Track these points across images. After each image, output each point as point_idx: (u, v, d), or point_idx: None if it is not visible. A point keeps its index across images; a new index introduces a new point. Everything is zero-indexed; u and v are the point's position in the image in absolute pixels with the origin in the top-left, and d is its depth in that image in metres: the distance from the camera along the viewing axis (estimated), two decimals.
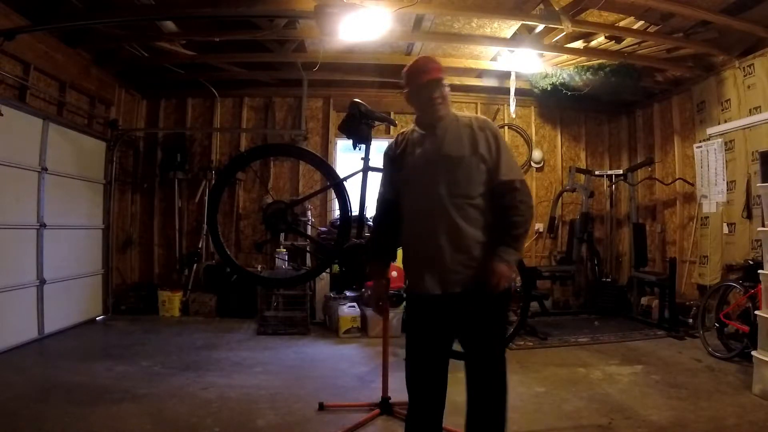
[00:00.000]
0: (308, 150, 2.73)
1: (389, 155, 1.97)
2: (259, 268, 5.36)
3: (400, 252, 1.94)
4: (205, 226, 5.59)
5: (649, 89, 5.78)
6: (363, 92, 5.76)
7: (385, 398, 2.75)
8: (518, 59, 4.98)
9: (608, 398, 3.05)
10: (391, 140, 2.00)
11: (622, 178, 5.91)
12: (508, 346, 1.75)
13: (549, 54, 4.94)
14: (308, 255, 5.30)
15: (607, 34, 4.47)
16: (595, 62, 4.99)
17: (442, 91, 1.83)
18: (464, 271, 1.75)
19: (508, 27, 4.42)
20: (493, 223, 1.78)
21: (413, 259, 1.87)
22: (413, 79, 1.86)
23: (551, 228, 6.16)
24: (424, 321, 1.84)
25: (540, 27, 4.28)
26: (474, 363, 1.80)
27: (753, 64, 4.40)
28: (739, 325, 3.67)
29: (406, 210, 1.87)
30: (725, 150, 4.74)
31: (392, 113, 6.00)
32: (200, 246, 5.74)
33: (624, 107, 6.43)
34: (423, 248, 1.80)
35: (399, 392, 2.93)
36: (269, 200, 4.14)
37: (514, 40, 4.58)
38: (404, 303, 4.21)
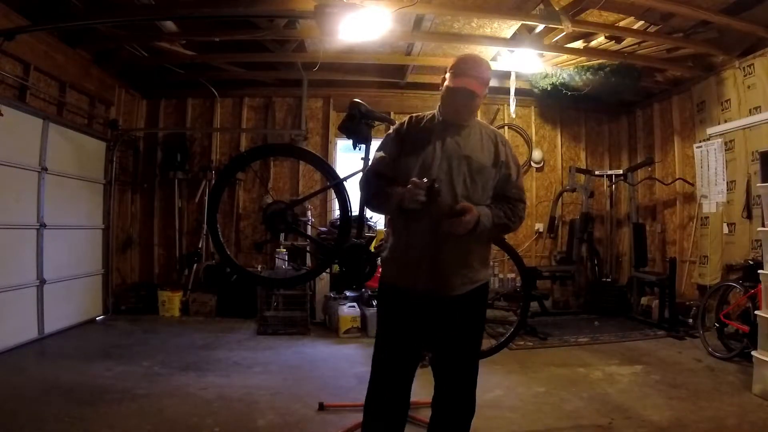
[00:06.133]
0: (308, 150, 2.73)
1: (400, 133, 1.87)
2: (259, 268, 5.35)
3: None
4: (205, 226, 5.59)
5: (649, 89, 5.78)
6: (363, 92, 5.75)
7: None
8: (518, 59, 4.98)
9: (608, 398, 3.06)
10: (403, 119, 1.91)
11: (622, 178, 5.91)
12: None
13: (549, 54, 4.94)
14: (308, 255, 5.30)
15: (607, 34, 4.47)
16: (595, 62, 4.99)
17: (475, 103, 1.81)
18: (460, 277, 1.80)
19: (508, 27, 4.42)
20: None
21: (406, 250, 1.81)
22: (452, 77, 1.78)
23: (551, 228, 6.16)
24: (403, 316, 1.85)
25: (540, 27, 4.28)
26: (448, 369, 1.88)
27: (753, 64, 4.40)
28: (739, 325, 3.68)
29: None
30: (725, 150, 4.74)
31: (392, 113, 6.01)
32: (200, 246, 5.74)
33: (624, 107, 6.43)
34: (421, 242, 1.76)
35: None
36: (269, 200, 4.14)
37: (514, 40, 4.57)
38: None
